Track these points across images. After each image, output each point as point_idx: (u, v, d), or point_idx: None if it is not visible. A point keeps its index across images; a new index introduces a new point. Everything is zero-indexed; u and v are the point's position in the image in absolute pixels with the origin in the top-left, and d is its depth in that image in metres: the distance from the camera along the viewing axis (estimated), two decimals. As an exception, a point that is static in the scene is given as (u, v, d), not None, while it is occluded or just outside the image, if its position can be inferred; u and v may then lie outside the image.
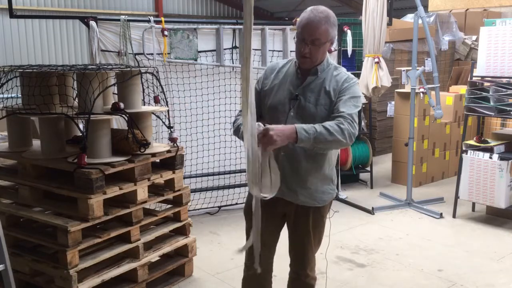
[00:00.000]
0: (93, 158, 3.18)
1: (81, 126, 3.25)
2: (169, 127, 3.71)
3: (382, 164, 7.26)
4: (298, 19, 2.46)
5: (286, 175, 2.49)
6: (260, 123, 2.25)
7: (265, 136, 2.22)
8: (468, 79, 5.17)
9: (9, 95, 3.38)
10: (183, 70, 4.93)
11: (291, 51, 5.31)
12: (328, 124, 2.30)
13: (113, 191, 3.17)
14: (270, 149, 2.27)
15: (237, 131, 2.55)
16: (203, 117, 5.10)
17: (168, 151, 3.59)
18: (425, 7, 7.94)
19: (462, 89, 6.69)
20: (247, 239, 2.73)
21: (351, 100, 2.43)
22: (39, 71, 3.23)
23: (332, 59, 6.05)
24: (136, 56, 4.69)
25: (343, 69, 2.60)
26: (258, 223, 2.28)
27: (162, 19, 4.79)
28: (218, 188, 5.27)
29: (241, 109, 2.28)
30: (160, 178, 3.57)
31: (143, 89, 3.69)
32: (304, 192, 2.55)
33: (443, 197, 5.76)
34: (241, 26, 5.09)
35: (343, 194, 5.92)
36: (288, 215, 2.65)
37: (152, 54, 4.74)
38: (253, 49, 5.75)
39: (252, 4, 1.97)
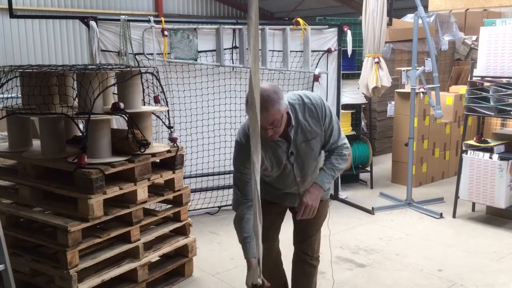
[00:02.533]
0: (93, 158, 3.18)
1: (81, 126, 3.25)
2: (169, 127, 3.71)
3: (382, 164, 7.26)
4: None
5: (300, 183, 2.75)
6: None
7: (306, 208, 2.62)
8: (468, 79, 5.17)
9: (9, 95, 3.38)
10: (183, 70, 4.93)
11: (291, 51, 5.31)
12: (336, 163, 2.70)
13: (113, 191, 3.18)
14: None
15: (239, 234, 2.64)
16: (203, 117, 5.09)
17: (168, 151, 3.59)
18: (425, 7, 7.94)
19: (462, 89, 6.70)
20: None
21: (336, 124, 2.67)
22: (39, 71, 3.23)
23: (332, 59, 6.00)
24: (136, 56, 4.69)
25: (303, 98, 2.58)
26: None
27: (162, 19, 4.79)
28: (218, 188, 5.27)
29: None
30: (160, 178, 3.57)
31: (143, 89, 3.69)
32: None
33: (443, 197, 5.76)
34: (241, 26, 5.08)
35: (343, 194, 5.92)
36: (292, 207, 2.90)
37: (152, 54, 4.74)
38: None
39: (257, 7, 1.88)
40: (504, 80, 4.80)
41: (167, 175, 3.61)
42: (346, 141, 2.74)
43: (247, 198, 2.56)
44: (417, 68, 5.43)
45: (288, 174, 2.69)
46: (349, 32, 5.62)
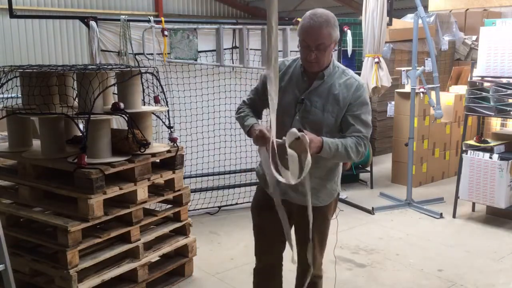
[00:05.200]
0: (93, 158, 3.18)
1: (81, 126, 3.25)
2: (169, 127, 3.71)
3: (382, 164, 7.26)
4: (298, 25, 2.46)
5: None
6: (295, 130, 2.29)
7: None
8: (468, 79, 5.17)
9: (9, 95, 3.38)
10: (183, 70, 4.93)
11: (291, 51, 5.31)
12: (349, 145, 2.41)
13: (113, 191, 3.18)
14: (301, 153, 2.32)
15: (241, 119, 2.64)
16: (203, 117, 5.10)
17: (168, 151, 3.59)
18: (425, 7, 7.93)
19: (462, 90, 6.70)
20: (254, 234, 2.84)
21: (367, 115, 2.49)
22: (39, 71, 3.23)
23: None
24: (136, 56, 4.69)
25: (351, 73, 2.59)
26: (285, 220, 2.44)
27: (162, 19, 4.80)
28: (218, 188, 5.27)
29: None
30: (160, 178, 3.57)
31: (143, 89, 3.69)
32: (309, 193, 2.54)
33: (443, 197, 5.76)
34: (241, 26, 5.09)
35: (343, 194, 5.92)
36: (291, 213, 2.67)
37: (152, 54, 4.74)
38: (252, 49, 5.73)
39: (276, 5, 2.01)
40: (504, 80, 4.80)
41: (167, 175, 3.61)
42: (368, 137, 2.50)
43: (248, 106, 2.69)
44: (417, 68, 5.43)
45: (286, 122, 2.48)
46: (349, 32, 5.62)
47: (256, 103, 2.68)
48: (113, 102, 3.38)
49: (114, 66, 3.53)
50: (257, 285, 2.91)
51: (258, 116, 2.70)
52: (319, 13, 2.39)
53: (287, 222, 2.50)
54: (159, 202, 3.71)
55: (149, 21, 4.74)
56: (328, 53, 2.45)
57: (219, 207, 5.30)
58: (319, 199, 2.61)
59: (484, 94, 4.87)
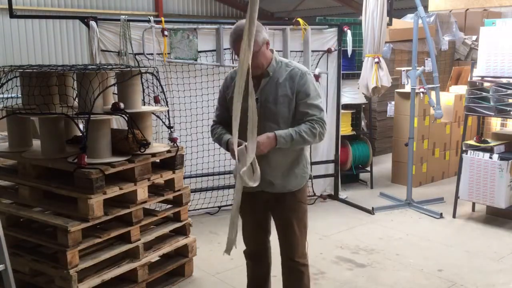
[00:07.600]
0: (93, 158, 3.18)
1: (81, 126, 3.26)
2: (169, 127, 3.71)
3: (382, 164, 7.26)
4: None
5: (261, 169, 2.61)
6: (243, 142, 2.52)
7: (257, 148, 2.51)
8: (468, 79, 5.17)
9: (9, 95, 3.38)
10: (183, 70, 4.93)
11: (291, 51, 5.31)
12: (303, 130, 2.60)
13: (113, 191, 3.18)
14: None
15: (217, 140, 2.89)
16: (203, 117, 5.09)
17: (168, 151, 3.59)
18: (425, 7, 7.93)
19: (462, 90, 6.69)
20: (243, 234, 3.01)
21: (315, 99, 2.68)
22: (39, 71, 3.23)
23: (332, 59, 6.00)
24: (136, 56, 4.69)
25: (294, 63, 2.75)
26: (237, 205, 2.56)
27: (162, 19, 4.80)
28: (218, 188, 5.27)
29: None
30: (160, 178, 3.57)
31: (143, 89, 3.69)
32: (278, 181, 2.73)
33: (443, 197, 5.76)
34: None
35: (343, 194, 5.92)
36: (267, 201, 2.82)
37: (152, 54, 4.74)
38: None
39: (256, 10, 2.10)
40: (504, 80, 4.80)
41: (167, 175, 3.61)
42: (323, 118, 2.66)
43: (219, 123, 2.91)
44: (417, 68, 5.43)
45: (245, 119, 2.56)
46: (349, 32, 5.62)
47: (224, 115, 2.84)
48: (113, 102, 3.38)
49: (114, 66, 3.53)
50: (248, 266, 3.14)
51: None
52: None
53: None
54: (159, 202, 3.71)
55: (149, 21, 4.74)
56: (262, 57, 2.62)
57: (219, 207, 5.30)
58: (291, 184, 2.76)
59: (484, 94, 4.87)
